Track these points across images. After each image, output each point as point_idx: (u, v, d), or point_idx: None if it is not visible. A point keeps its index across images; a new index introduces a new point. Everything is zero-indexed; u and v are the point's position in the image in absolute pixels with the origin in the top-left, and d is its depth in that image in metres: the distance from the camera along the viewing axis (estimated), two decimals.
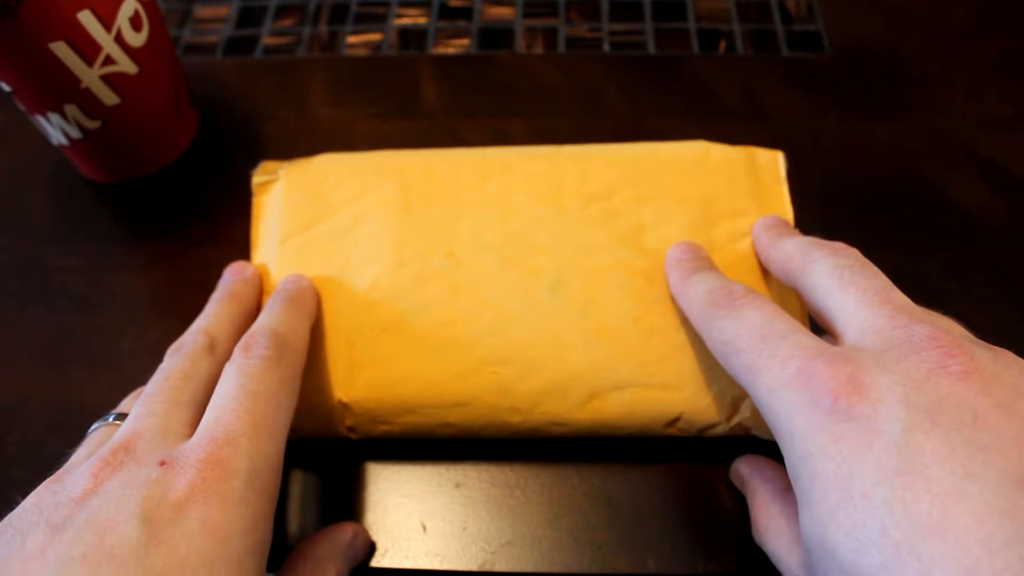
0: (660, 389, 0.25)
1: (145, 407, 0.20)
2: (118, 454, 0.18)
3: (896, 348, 0.17)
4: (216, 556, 0.16)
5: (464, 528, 0.26)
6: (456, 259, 0.26)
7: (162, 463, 0.18)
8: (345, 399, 0.25)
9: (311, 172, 0.29)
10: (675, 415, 0.25)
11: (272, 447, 0.19)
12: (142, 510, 0.16)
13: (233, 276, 0.27)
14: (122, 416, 0.22)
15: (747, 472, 0.24)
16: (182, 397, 0.21)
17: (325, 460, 0.27)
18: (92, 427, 0.22)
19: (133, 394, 0.24)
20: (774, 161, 0.28)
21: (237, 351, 0.22)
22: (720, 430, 0.25)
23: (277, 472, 0.20)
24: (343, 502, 0.26)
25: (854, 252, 0.21)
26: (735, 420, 0.25)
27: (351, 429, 0.26)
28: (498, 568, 0.25)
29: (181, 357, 0.22)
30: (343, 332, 0.26)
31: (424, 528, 0.26)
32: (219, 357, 0.23)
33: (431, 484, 0.26)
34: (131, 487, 0.17)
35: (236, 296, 0.26)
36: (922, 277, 0.30)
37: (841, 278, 0.20)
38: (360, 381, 0.25)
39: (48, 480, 0.19)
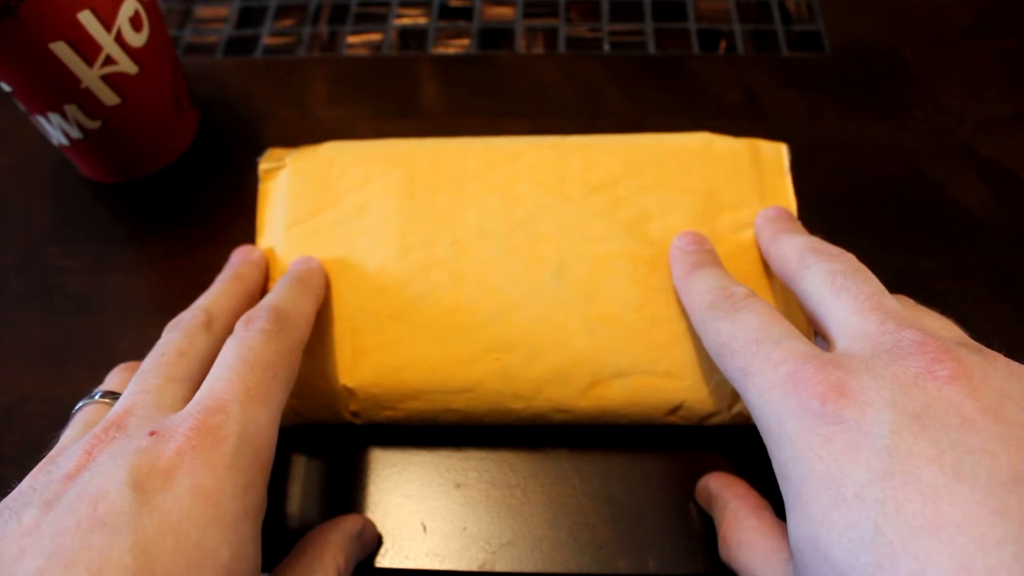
0: (662, 377, 0.25)
1: (139, 384, 0.20)
2: (110, 430, 0.18)
3: (884, 353, 0.17)
4: (209, 520, 0.17)
5: (464, 528, 0.26)
6: (461, 246, 0.26)
7: (152, 433, 0.18)
8: (349, 384, 0.26)
9: (317, 159, 0.29)
10: (676, 403, 0.25)
11: (265, 415, 0.19)
12: (132, 478, 0.17)
13: (240, 259, 0.27)
14: (108, 393, 0.22)
15: (717, 489, 0.24)
16: (177, 373, 0.21)
17: (325, 461, 0.27)
18: (77, 406, 0.22)
19: (117, 369, 0.24)
20: (778, 153, 0.28)
21: (238, 325, 0.22)
22: (721, 419, 0.25)
23: (270, 440, 0.19)
24: (343, 502, 0.26)
25: (848, 257, 0.21)
26: (736, 409, 0.25)
27: (355, 414, 0.26)
28: (498, 568, 0.25)
29: (178, 333, 0.22)
30: (348, 318, 0.26)
31: (424, 528, 0.26)
32: (216, 334, 0.23)
33: (431, 484, 0.26)
34: (121, 457, 0.17)
35: (240, 277, 0.26)
36: (922, 277, 0.30)
37: (834, 284, 0.20)
38: (365, 367, 0.26)
39: (42, 462, 0.19)
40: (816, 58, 0.38)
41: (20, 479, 0.18)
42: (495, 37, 0.40)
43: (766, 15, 0.40)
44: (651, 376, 0.25)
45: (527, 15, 0.41)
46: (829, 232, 0.25)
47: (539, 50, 0.39)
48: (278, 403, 0.20)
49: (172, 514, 0.16)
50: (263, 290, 0.27)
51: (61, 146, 0.33)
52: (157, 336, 0.22)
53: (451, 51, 0.39)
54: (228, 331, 0.22)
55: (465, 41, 0.40)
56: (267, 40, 0.40)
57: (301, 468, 0.27)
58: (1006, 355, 0.18)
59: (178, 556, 0.16)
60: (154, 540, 0.16)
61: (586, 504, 0.26)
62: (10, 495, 0.18)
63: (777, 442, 0.18)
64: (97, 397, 0.22)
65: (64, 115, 0.30)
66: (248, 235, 0.30)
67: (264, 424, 0.19)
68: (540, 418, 0.26)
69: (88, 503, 0.16)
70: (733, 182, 0.27)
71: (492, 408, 0.26)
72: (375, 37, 0.40)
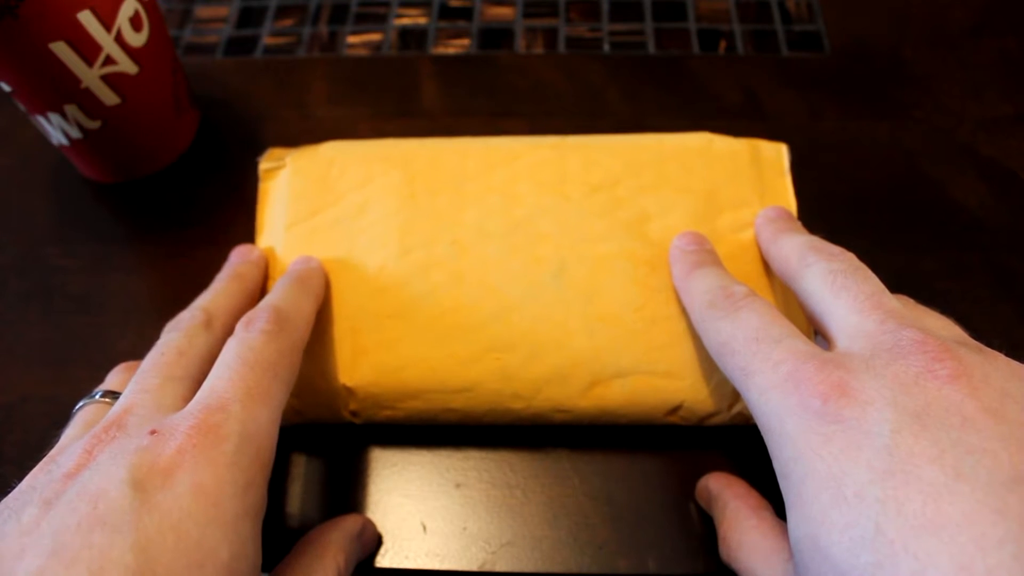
0: (662, 377, 0.25)
1: (138, 384, 0.20)
2: (110, 430, 0.18)
3: (885, 352, 0.17)
4: (209, 519, 0.17)
5: (464, 528, 0.26)
6: (461, 246, 0.26)
7: (152, 432, 0.18)
8: (349, 384, 0.26)
9: (317, 159, 0.29)
10: (676, 403, 0.25)
11: (266, 414, 0.19)
12: (132, 476, 0.17)
13: (239, 258, 0.27)
14: (108, 393, 0.22)
15: (717, 489, 0.24)
16: (176, 372, 0.21)
17: (325, 461, 0.27)
18: (78, 405, 0.22)
19: (117, 369, 0.24)
20: (778, 153, 0.28)
21: (239, 326, 0.22)
22: (721, 419, 0.25)
23: (271, 439, 0.20)
24: (344, 503, 0.26)
25: (848, 256, 0.21)
26: (736, 409, 0.25)
27: (354, 414, 0.26)
28: (498, 568, 0.25)
29: (177, 333, 0.22)
30: (348, 318, 0.26)
31: (424, 528, 0.26)
32: (216, 333, 0.23)
33: (431, 484, 0.26)
34: (121, 456, 0.17)
35: (239, 276, 0.26)
36: (922, 277, 0.30)
37: (834, 283, 0.20)
38: (364, 366, 0.26)
39: (42, 461, 0.19)
40: (816, 58, 0.38)
41: (20, 479, 0.18)
42: (495, 37, 0.40)
43: (766, 15, 0.40)
44: (651, 376, 0.25)
45: (527, 15, 0.41)
46: (829, 232, 0.25)
47: (539, 50, 0.39)
48: (279, 403, 0.20)
49: (172, 513, 0.16)
50: (263, 290, 0.27)
51: (61, 146, 0.33)
52: (157, 336, 0.22)
53: (451, 51, 0.39)
54: (228, 330, 0.22)
55: (465, 41, 0.40)
56: (267, 40, 0.40)
57: (301, 468, 0.27)
58: (1006, 355, 0.18)
59: (178, 555, 0.16)
60: (154, 539, 0.16)
61: (586, 504, 0.26)
62: (10, 494, 0.18)
63: (778, 441, 0.18)
64: (97, 397, 0.22)
65: (64, 115, 0.30)
66: (248, 235, 0.30)
67: (265, 423, 0.19)
68: (540, 418, 0.26)
69: (88, 502, 0.16)
70: (733, 182, 0.27)
71: (492, 408, 0.26)
72: (375, 37, 0.40)
